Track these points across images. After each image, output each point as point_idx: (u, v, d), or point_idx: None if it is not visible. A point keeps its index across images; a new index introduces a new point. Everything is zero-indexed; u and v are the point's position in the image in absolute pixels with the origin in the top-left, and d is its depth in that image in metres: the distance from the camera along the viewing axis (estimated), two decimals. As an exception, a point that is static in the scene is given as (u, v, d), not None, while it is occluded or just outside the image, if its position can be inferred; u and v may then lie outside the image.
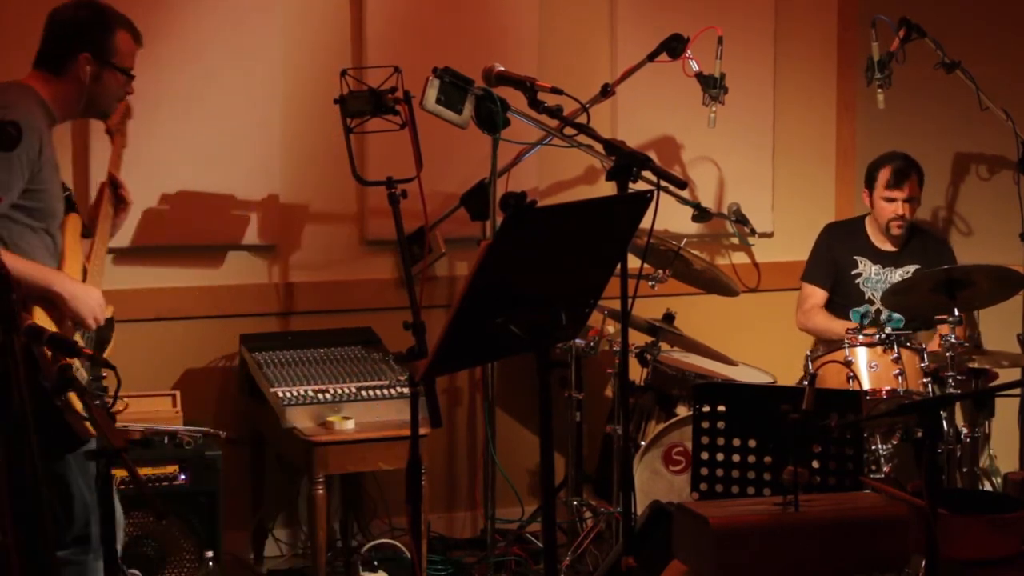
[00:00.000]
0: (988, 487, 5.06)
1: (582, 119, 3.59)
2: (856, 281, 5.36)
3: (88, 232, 3.71)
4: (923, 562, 3.23)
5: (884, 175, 5.27)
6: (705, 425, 3.96)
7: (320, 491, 4.34)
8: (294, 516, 5.11)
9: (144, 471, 4.22)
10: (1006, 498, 4.00)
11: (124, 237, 4.79)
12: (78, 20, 3.54)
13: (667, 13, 5.35)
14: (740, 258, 5.73)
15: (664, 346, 4.97)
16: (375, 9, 5.06)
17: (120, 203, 3.87)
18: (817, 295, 5.42)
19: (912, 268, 5.30)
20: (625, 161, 3.10)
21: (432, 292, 5.13)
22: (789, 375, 5.26)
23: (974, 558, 3.38)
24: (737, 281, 5.35)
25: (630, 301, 3.09)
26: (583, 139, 3.58)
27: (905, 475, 4.60)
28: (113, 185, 3.86)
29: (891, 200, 5.26)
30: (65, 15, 3.57)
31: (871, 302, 5.31)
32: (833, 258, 5.41)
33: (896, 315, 5.18)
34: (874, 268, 5.35)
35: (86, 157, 4.74)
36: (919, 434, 4.64)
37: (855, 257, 5.38)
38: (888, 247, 5.38)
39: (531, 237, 2.82)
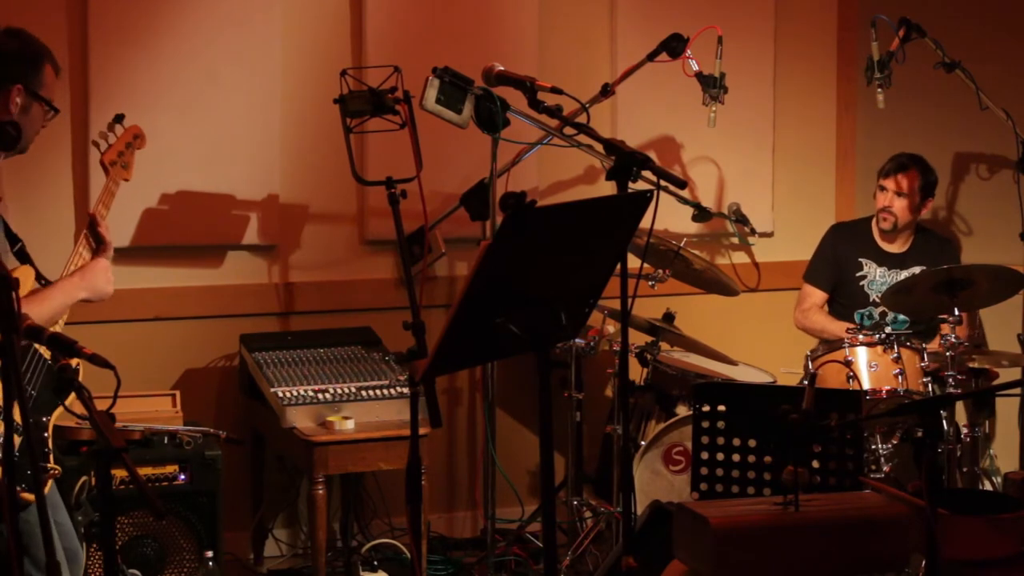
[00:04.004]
0: (988, 487, 5.05)
1: (582, 119, 3.59)
2: (861, 283, 5.34)
3: (46, 281, 3.47)
4: (923, 562, 3.23)
5: (884, 167, 5.29)
6: (705, 425, 3.96)
7: (320, 491, 4.34)
8: (294, 516, 5.11)
9: (144, 471, 4.23)
10: (1006, 498, 3.99)
11: (124, 237, 4.79)
12: (9, 51, 3.39)
13: (667, 13, 5.35)
14: (740, 258, 5.73)
15: (664, 346, 4.97)
16: (375, 9, 5.06)
17: (100, 243, 3.59)
18: (816, 296, 5.41)
19: (917, 270, 5.27)
20: (625, 161, 3.10)
21: (432, 292, 5.13)
22: (789, 375, 5.26)
23: (974, 558, 3.37)
24: (737, 281, 5.35)
25: (630, 301, 3.09)
26: (583, 139, 3.58)
27: (905, 475, 4.60)
28: (92, 224, 3.60)
29: (883, 190, 5.27)
30: None
31: (875, 304, 5.28)
32: (836, 259, 5.40)
33: (902, 317, 5.17)
34: (879, 270, 5.33)
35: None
36: (919, 434, 4.62)
37: (860, 259, 5.36)
38: (894, 248, 5.35)
39: (531, 237, 2.82)
